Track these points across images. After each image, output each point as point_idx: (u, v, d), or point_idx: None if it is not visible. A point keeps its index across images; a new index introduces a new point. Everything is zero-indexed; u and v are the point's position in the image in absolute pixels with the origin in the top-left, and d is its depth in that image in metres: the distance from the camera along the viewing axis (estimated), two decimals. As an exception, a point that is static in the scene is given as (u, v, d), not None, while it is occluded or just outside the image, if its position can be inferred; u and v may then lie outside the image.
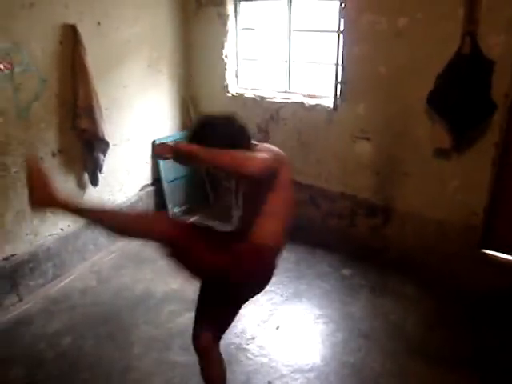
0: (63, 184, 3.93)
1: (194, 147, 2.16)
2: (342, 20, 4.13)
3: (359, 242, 4.47)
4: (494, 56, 3.55)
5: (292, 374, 3.02)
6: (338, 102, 4.33)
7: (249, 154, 2.23)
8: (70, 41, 3.77)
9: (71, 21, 3.75)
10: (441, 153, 3.91)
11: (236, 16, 4.87)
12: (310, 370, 3.05)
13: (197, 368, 2.92)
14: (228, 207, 5.17)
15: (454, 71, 3.63)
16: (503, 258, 3.98)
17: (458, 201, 3.95)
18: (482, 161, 3.80)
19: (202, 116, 2.56)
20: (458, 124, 3.70)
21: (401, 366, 3.09)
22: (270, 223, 2.33)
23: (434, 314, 3.61)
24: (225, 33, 4.88)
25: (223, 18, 4.84)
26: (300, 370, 3.06)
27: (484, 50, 3.56)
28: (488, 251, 4.03)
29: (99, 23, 4.01)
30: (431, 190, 4.05)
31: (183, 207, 5.13)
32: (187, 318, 3.50)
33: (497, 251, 4.02)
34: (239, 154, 2.16)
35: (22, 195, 3.57)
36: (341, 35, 4.17)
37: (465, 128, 3.70)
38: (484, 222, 3.96)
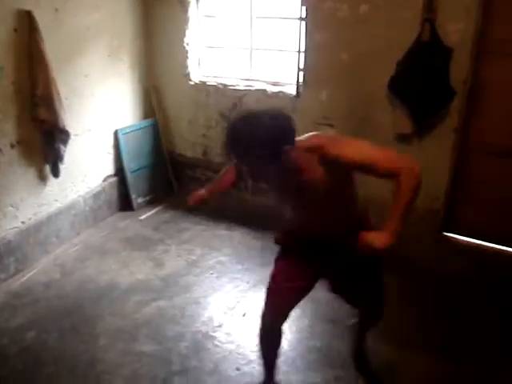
0: (23, 176, 3.84)
1: (395, 224, 2.04)
2: (304, 7, 4.13)
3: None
4: (453, 43, 3.62)
5: (259, 360, 3.04)
6: (301, 89, 4.35)
7: (390, 153, 2.07)
8: (26, 28, 3.65)
9: (27, 7, 3.63)
10: (402, 138, 3.97)
11: (197, 3, 4.82)
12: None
13: (164, 358, 2.94)
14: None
15: (413, 58, 3.68)
16: (464, 241, 4.08)
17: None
18: (443, 146, 3.88)
19: (240, 117, 2.05)
20: (418, 110, 3.77)
21: (367, 348, 3.14)
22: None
23: (397, 296, 3.67)
24: (186, 20, 4.82)
25: (184, 5, 4.77)
26: (267, 356, 3.08)
27: (443, 38, 3.62)
28: (450, 234, 4.13)
29: (57, 9, 3.90)
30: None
31: (147, 197, 5.08)
32: (153, 308, 3.51)
33: (458, 234, 4.12)
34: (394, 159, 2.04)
35: (-21, 188, 3.50)
36: (303, 22, 4.17)
37: (425, 114, 3.77)
38: (445, 205, 4.05)
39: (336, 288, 2.68)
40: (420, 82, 3.66)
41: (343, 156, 2.02)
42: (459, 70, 3.65)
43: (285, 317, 2.53)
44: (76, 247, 4.29)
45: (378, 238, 2.01)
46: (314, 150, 2.06)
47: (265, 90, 4.56)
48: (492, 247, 4.03)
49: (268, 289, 2.51)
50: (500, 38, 3.62)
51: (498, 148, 3.82)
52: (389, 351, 3.11)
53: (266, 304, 2.51)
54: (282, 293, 2.46)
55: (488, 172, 3.88)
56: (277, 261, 2.54)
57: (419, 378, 2.97)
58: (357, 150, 2.05)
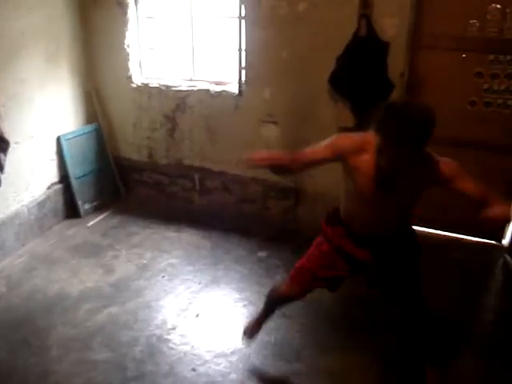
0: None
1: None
2: (243, 5, 4.16)
3: (273, 224, 4.56)
4: (389, 37, 3.74)
5: (215, 359, 3.06)
6: (243, 87, 4.37)
7: None
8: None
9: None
10: (345, 131, 4.04)
11: (136, 4, 4.76)
12: (232, 354, 3.10)
13: (119, 364, 2.91)
14: (141, 200, 5.13)
15: (352, 53, 3.78)
16: (423, 231, 4.20)
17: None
18: (384, 138, 3.98)
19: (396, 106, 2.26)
20: (358, 103, 3.86)
21: (321, 340, 3.21)
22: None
23: (349, 289, 3.74)
24: (125, 22, 4.75)
25: (123, 7, 4.70)
26: (223, 355, 3.09)
27: (379, 32, 3.73)
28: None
29: (-14, 14, 3.80)
30: (338, 168, 4.17)
31: (94, 203, 4.99)
32: (105, 315, 3.46)
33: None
34: None
35: None
36: (242, 21, 4.20)
37: (365, 107, 3.86)
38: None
39: (374, 283, 2.76)
40: (359, 76, 3.76)
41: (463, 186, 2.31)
42: (396, 64, 3.77)
43: (299, 297, 2.82)
44: (22, 258, 4.16)
45: (503, 209, 2.26)
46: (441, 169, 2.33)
47: (208, 90, 4.56)
48: (437, 233, 4.22)
49: (300, 267, 2.71)
50: (433, 32, 3.77)
51: (437, 138, 3.94)
52: (341, 339, 3.18)
53: (292, 278, 2.74)
54: (310, 276, 2.66)
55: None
56: (319, 245, 2.69)
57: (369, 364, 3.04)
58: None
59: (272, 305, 2.96)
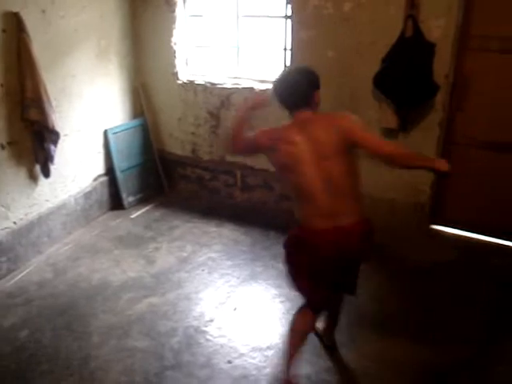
0: (14, 177, 3.87)
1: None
2: (289, 5, 4.18)
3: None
4: (435, 38, 3.69)
5: (251, 353, 3.10)
6: (288, 86, 4.38)
7: None
8: (14, 29, 3.68)
9: (14, 8, 3.66)
10: (388, 132, 4.04)
11: (184, 3, 4.85)
12: (268, 348, 3.13)
13: (157, 353, 2.99)
14: (183, 194, 5.22)
15: (397, 54, 3.75)
16: (450, 233, 4.16)
17: (406, 179, 4.09)
18: (428, 140, 3.95)
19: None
20: (403, 104, 3.84)
21: (354, 338, 3.21)
22: None
23: (386, 288, 3.74)
24: (173, 20, 4.86)
25: (171, 5, 4.81)
26: (258, 349, 3.13)
27: (425, 33, 3.69)
28: (437, 227, 4.21)
29: (44, 11, 3.93)
30: (380, 169, 4.16)
31: (138, 195, 5.11)
32: (146, 305, 3.55)
33: (445, 226, 4.20)
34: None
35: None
36: (288, 20, 4.22)
37: (410, 108, 3.84)
38: (432, 199, 4.12)
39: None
40: (404, 77, 3.73)
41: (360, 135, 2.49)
42: (441, 65, 3.72)
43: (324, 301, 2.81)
44: (68, 247, 4.32)
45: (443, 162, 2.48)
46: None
47: (252, 88, 4.61)
48: (479, 239, 4.13)
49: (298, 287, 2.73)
50: (482, 33, 3.70)
51: (482, 141, 3.89)
52: (374, 338, 3.18)
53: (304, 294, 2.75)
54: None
55: (473, 165, 3.96)
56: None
57: (400, 363, 3.03)
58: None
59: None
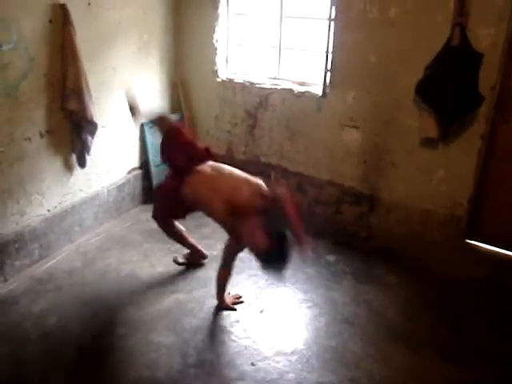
0: (50, 165, 3.92)
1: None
2: (334, 7, 4.13)
3: (344, 229, 4.51)
4: (483, 48, 3.59)
5: (275, 357, 3.07)
6: (327, 89, 4.35)
7: None
8: (60, 20, 3.73)
9: (61, 0, 3.72)
10: (428, 142, 3.95)
11: (228, 1, 4.85)
12: (292, 353, 3.10)
13: (181, 349, 2.98)
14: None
15: (442, 62, 3.66)
16: (486, 249, 4.04)
17: (443, 191, 4.00)
18: (468, 152, 3.85)
19: None
20: (445, 114, 3.74)
21: (382, 351, 3.15)
22: None
23: (415, 301, 3.66)
24: (216, 17, 4.86)
25: (215, 3, 4.81)
26: (283, 353, 3.10)
27: (473, 43, 3.59)
28: (472, 242, 4.09)
29: (89, 3, 3.97)
30: (417, 179, 4.09)
31: (170, 191, 5.12)
32: (172, 301, 3.55)
33: (481, 242, 4.08)
34: None
35: (7, 175, 3.57)
36: (332, 23, 4.17)
37: (452, 119, 3.74)
38: (469, 212, 4.01)
39: None
40: (448, 86, 3.64)
41: None
42: (487, 76, 3.62)
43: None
44: (99, 237, 4.36)
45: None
46: None
47: (291, 90, 4.57)
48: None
49: None
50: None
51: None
52: (402, 353, 3.12)
53: None
54: None
55: (514, 180, 3.85)
56: None
57: (424, 379, 2.97)
58: None
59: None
